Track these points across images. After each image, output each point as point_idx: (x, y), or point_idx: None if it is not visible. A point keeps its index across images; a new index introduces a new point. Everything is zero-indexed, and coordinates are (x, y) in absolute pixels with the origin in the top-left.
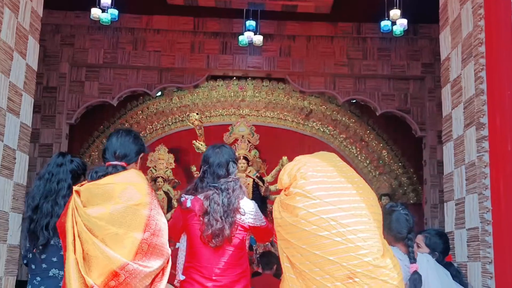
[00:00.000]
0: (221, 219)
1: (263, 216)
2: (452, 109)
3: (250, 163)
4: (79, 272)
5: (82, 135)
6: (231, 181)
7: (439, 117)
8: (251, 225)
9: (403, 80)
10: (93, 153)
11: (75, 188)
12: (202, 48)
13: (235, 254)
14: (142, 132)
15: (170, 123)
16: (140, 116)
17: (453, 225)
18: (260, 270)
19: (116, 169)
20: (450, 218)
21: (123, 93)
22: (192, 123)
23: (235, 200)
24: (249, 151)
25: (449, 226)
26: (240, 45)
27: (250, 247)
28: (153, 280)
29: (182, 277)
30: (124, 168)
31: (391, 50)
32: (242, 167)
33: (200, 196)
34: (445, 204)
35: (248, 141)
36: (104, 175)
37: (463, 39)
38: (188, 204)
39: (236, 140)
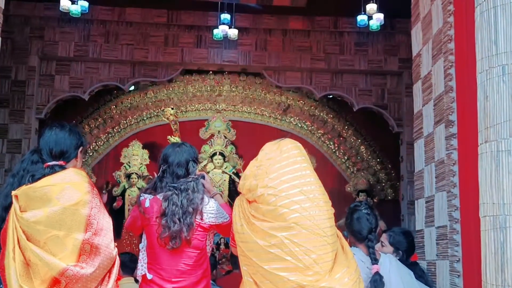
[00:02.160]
0: (179, 221)
1: (225, 211)
2: (423, 106)
3: (226, 159)
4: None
5: None
6: (191, 181)
7: None
8: (212, 224)
9: (380, 76)
10: None
11: (13, 192)
12: (176, 41)
13: (195, 255)
14: (116, 128)
15: (144, 118)
16: (114, 111)
17: (423, 223)
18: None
19: (53, 170)
20: (421, 216)
21: (94, 87)
22: (167, 118)
23: (195, 201)
24: (226, 146)
25: (420, 224)
26: (215, 38)
27: (226, 245)
28: (100, 283)
29: (149, 276)
30: (62, 168)
31: (368, 45)
32: (218, 163)
33: (159, 196)
34: (416, 201)
35: (225, 136)
36: (41, 178)
37: (433, 35)
38: (147, 204)
39: (212, 135)
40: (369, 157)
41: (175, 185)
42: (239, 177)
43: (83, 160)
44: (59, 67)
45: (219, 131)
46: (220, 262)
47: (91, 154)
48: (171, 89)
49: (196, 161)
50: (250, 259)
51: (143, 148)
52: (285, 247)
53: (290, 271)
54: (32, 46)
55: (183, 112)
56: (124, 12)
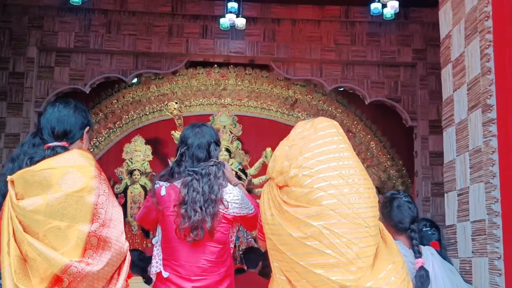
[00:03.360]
0: (201, 210)
1: (250, 201)
2: (453, 91)
3: (232, 155)
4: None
5: None
6: (212, 165)
7: (431, 106)
8: (237, 215)
9: (394, 67)
10: None
11: (9, 177)
12: (181, 31)
13: (218, 250)
14: (118, 123)
15: (147, 113)
16: (116, 105)
17: (455, 217)
18: (244, 267)
19: (55, 152)
20: (452, 210)
21: (96, 80)
22: (171, 113)
23: (217, 188)
24: (231, 142)
25: (451, 219)
26: (222, 28)
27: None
28: (109, 282)
29: (165, 274)
30: (65, 149)
31: (380, 35)
32: (224, 159)
33: (177, 183)
34: (445, 195)
35: (230, 132)
36: (41, 160)
37: (466, 14)
38: (163, 192)
39: (218, 131)
40: (380, 153)
41: (196, 169)
42: (245, 173)
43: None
44: (58, 58)
45: (224, 126)
46: None
47: (91, 150)
48: (174, 82)
49: (218, 143)
50: (284, 254)
51: (146, 143)
52: (324, 239)
53: (330, 268)
54: (31, 36)
55: (187, 107)
56: (127, 1)
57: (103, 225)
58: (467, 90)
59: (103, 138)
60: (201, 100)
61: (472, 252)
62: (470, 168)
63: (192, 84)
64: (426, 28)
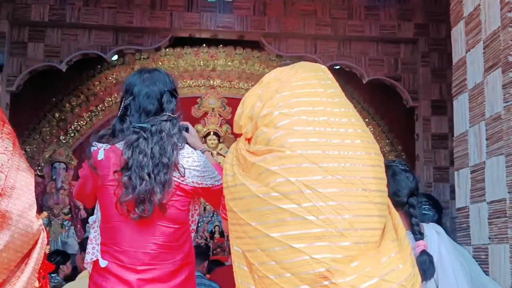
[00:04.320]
0: (149, 177)
1: (217, 171)
2: (466, 52)
3: (221, 140)
4: None
5: (31, 108)
6: (166, 121)
7: (433, 84)
8: (197, 186)
9: (393, 44)
10: (44, 128)
11: None
12: (165, 4)
13: (172, 232)
14: (100, 105)
15: None
16: (98, 87)
17: (467, 198)
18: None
19: None
20: (463, 190)
21: (72, 56)
22: None
23: (171, 149)
24: (220, 126)
25: (462, 200)
26: (208, 0)
27: (222, 233)
28: (11, 274)
29: (103, 263)
30: None
31: (379, 9)
32: (212, 144)
33: (120, 145)
34: (455, 173)
35: (219, 114)
36: None
37: None
38: (101, 155)
39: (206, 114)
40: (377, 137)
41: (143, 125)
42: None
43: (64, 141)
44: (32, 33)
45: (213, 109)
46: (214, 252)
47: (72, 134)
48: (160, 63)
49: (174, 94)
50: (246, 226)
51: None
52: (304, 200)
53: (313, 241)
54: (1, 9)
55: None
56: None
57: (1, 194)
58: (483, 48)
59: (85, 122)
60: (188, 82)
61: (489, 238)
62: (486, 139)
63: (179, 65)
64: (428, 1)
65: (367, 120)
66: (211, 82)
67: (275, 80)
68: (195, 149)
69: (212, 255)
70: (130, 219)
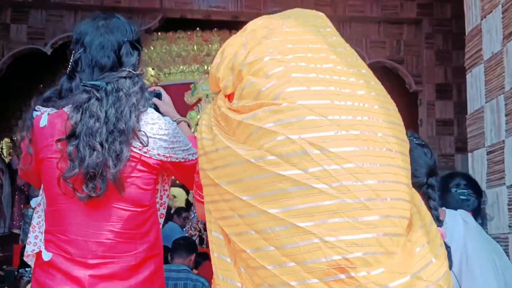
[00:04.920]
0: (102, 147)
1: (192, 143)
2: (481, 19)
3: None
4: None
5: (19, 96)
6: (125, 78)
7: (438, 67)
8: (165, 160)
9: (396, 24)
10: None
11: None
12: None
13: (133, 216)
14: None
15: None
16: None
17: (483, 182)
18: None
19: None
20: (479, 173)
21: (58, 39)
22: (147, 80)
23: (129, 112)
24: None
25: None
26: None
27: None
28: None
29: (47, 255)
30: None
31: None
32: None
33: (67, 108)
34: (469, 155)
35: None
36: None
37: None
38: (43, 122)
39: (200, 100)
40: None
41: (97, 82)
42: None
43: None
44: (15, 14)
45: (207, 95)
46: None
47: None
48: (152, 47)
49: (136, 45)
50: (235, 202)
51: None
52: (312, 164)
53: (325, 217)
54: None
55: (166, 75)
56: None
57: None
58: (502, 13)
59: None
60: (181, 67)
61: (510, 226)
62: (506, 115)
63: (172, 50)
64: None
65: None
66: (205, 67)
67: (262, 27)
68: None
69: (206, 248)
70: (77, 200)
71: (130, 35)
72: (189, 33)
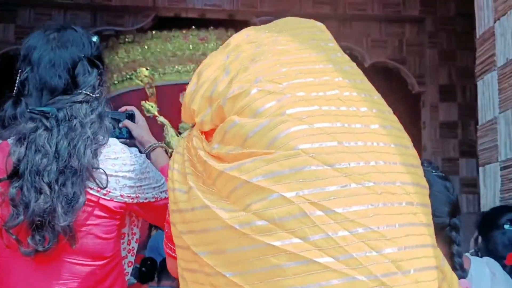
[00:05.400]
0: (51, 189)
1: (165, 176)
2: (495, 21)
3: None
4: None
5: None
6: (81, 102)
7: (441, 68)
8: (131, 201)
9: (398, 23)
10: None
11: None
12: None
13: (92, 271)
14: None
15: (115, 82)
16: None
17: (496, 199)
18: None
19: None
20: (491, 190)
21: None
22: (141, 80)
23: (85, 146)
24: None
25: (490, 202)
26: None
27: None
28: None
29: None
30: None
31: None
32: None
33: (12, 140)
34: (481, 169)
35: None
36: None
37: None
38: None
39: None
40: None
41: (46, 108)
42: None
43: None
44: (2, 13)
45: None
46: None
47: None
48: (146, 47)
49: (96, 62)
50: (218, 278)
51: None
52: (312, 230)
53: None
54: None
55: (161, 75)
56: None
57: None
58: None
59: None
60: (177, 67)
61: None
62: None
63: (167, 49)
64: None
65: None
66: None
67: (249, 42)
68: (142, 145)
69: None
70: (21, 255)
71: (88, 50)
72: (184, 31)
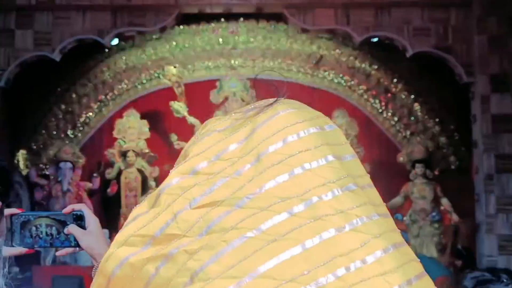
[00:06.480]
0: None
1: None
2: None
3: None
4: None
5: (36, 101)
6: None
7: (492, 55)
8: None
9: (442, 8)
10: (50, 123)
11: None
12: None
13: None
14: (110, 94)
15: (143, 81)
16: (106, 74)
17: None
18: None
19: None
20: None
21: (66, 43)
22: (169, 80)
23: None
24: None
25: None
26: None
27: None
28: None
29: None
30: None
31: None
32: None
33: None
34: None
35: (242, 99)
36: None
37: None
38: None
39: (226, 98)
40: (426, 116)
41: None
42: None
43: (72, 136)
44: (19, 19)
45: (234, 93)
46: None
47: (81, 128)
48: (174, 43)
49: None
50: None
51: (141, 118)
52: None
53: None
54: None
55: (190, 72)
56: None
57: None
58: None
59: (94, 113)
60: (206, 63)
61: None
62: None
63: (196, 44)
64: None
65: (412, 97)
66: (232, 62)
67: (226, 163)
68: (93, 258)
69: None
70: None
71: None
72: (213, 25)
